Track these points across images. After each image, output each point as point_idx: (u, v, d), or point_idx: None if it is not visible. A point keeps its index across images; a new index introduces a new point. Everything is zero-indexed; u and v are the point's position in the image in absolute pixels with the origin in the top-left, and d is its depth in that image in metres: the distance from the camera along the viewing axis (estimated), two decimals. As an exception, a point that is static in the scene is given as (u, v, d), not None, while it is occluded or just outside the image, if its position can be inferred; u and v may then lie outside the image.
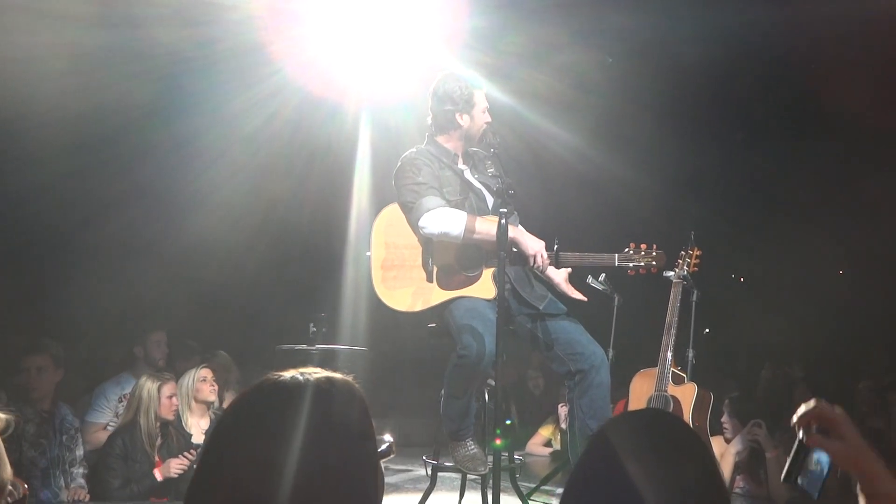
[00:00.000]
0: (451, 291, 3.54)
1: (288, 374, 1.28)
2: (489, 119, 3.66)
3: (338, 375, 1.30)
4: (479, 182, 3.70)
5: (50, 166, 5.75)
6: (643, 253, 3.53)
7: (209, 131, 6.02)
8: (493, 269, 3.48)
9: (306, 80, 5.54)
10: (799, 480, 1.40)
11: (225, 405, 4.83)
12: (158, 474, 4.22)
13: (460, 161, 3.73)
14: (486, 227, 3.43)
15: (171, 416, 4.45)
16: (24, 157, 5.57)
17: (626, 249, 3.55)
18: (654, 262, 3.54)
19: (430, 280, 3.57)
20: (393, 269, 3.60)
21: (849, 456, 1.38)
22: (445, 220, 3.48)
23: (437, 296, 3.54)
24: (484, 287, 3.53)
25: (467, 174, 3.72)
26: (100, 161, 6.23)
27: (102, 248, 6.29)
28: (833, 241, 7.17)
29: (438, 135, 3.71)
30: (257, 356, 6.36)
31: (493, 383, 3.61)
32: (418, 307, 3.54)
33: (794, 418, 1.41)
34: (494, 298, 3.41)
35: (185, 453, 4.25)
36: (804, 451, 1.40)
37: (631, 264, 3.53)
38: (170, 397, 4.45)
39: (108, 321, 6.17)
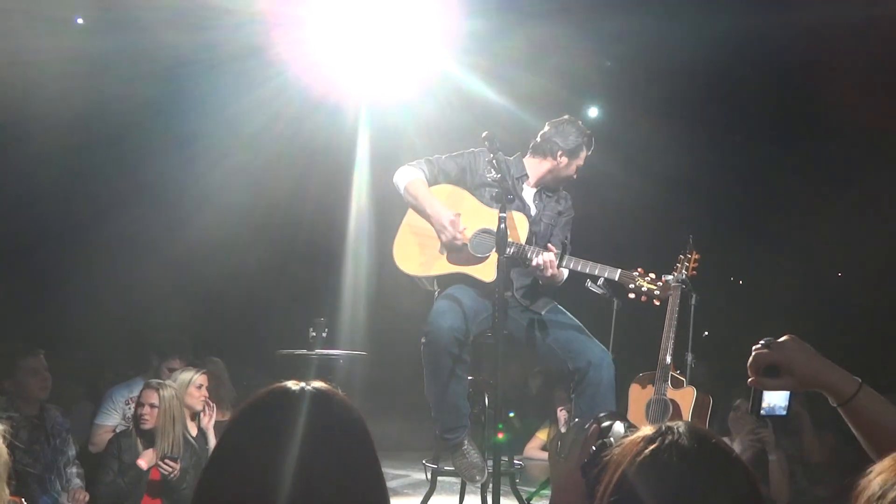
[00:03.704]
0: (456, 266, 3.66)
1: (289, 383, 1.34)
2: (575, 176, 3.89)
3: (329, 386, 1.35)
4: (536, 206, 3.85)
5: (52, 167, 5.77)
6: (649, 279, 3.47)
7: (210, 133, 6.04)
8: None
9: (307, 83, 5.56)
10: (762, 412, 1.55)
11: (216, 413, 4.78)
12: (143, 462, 4.20)
13: (530, 183, 3.87)
14: (421, 194, 3.71)
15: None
16: (27, 159, 5.59)
17: (634, 272, 3.50)
18: (656, 292, 3.45)
19: (441, 252, 3.70)
20: (416, 235, 3.76)
21: (803, 384, 1.50)
22: (400, 174, 3.80)
23: (440, 267, 3.69)
24: (487, 270, 3.59)
25: (526, 194, 3.83)
26: (101, 162, 6.25)
27: (103, 250, 6.30)
28: (832, 242, 7.17)
29: (531, 155, 3.91)
30: (257, 360, 6.36)
31: (479, 380, 3.70)
32: (418, 272, 3.73)
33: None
34: (492, 282, 3.50)
35: (167, 461, 4.19)
36: (757, 390, 1.55)
37: (631, 285, 3.47)
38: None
39: (107, 323, 6.16)
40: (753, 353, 1.53)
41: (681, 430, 1.26)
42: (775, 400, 1.56)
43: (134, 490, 4.15)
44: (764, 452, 4.57)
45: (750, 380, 1.54)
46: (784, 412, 1.56)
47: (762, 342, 1.53)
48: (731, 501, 1.21)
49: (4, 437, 1.87)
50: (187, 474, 4.21)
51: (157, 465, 4.15)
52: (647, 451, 1.24)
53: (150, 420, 4.24)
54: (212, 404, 4.73)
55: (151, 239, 6.32)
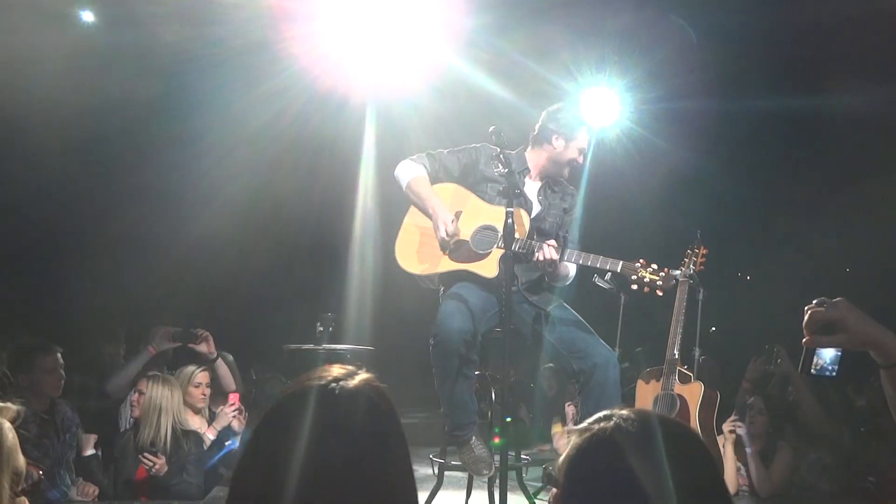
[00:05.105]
0: (458, 264, 3.66)
1: (317, 379, 1.34)
2: (581, 160, 3.81)
3: (361, 378, 1.37)
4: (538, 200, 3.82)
5: (56, 165, 5.77)
6: (651, 269, 3.44)
7: (215, 129, 6.04)
8: (503, 251, 3.54)
9: (312, 79, 5.55)
10: (812, 371, 1.59)
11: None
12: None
13: (532, 176, 3.84)
14: (424, 191, 3.71)
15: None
16: (30, 156, 5.59)
17: (635, 263, 3.46)
18: (659, 283, 3.42)
19: (443, 249, 3.68)
20: (418, 234, 3.76)
21: (855, 342, 1.52)
22: (402, 168, 3.80)
23: (444, 265, 3.68)
24: (489, 266, 3.59)
25: (529, 188, 3.80)
26: (106, 159, 6.26)
27: (108, 247, 6.30)
28: (839, 238, 7.15)
29: (531, 147, 3.86)
30: (264, 355, 6.36)
31: (486, 375, 3.70)
32: (421, 271, 3.72)
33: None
34: (494, 278, 3.52)
35: (146, 455, 4.14)
36: (810, 349, 1.58)
37: (634, 276, 3.44)
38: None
39: (112, 320, 6.16)
40: (808, 313, 1.55)
41: (624, 415, 1.26)
42: (825, 361, 1.58)
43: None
44: (771, 442, 4.55)
45: (805, 339, 1.56)
46: (833, 373, 1.58)
47: (815, 301, 1.55)
48: (685, 480, 1.20)
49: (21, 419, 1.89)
50: (182, 470, 4.17)
51: (140, 460, 4.14)
52: (586, 444, 1.24)
53: (136, 408, 4.25)
54: (242, 408, 4.69)
55: (158, 235, 6.32)
